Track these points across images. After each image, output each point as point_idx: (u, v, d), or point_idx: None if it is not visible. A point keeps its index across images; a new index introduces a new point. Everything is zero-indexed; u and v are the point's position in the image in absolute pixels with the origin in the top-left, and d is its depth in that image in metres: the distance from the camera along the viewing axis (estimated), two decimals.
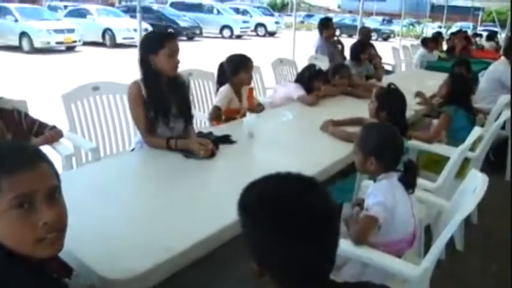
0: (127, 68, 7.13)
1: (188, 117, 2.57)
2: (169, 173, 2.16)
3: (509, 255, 2.88)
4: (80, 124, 2.86)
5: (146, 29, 13.85)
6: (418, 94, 4.06)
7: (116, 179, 2.07)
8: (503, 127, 3.62)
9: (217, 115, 3.09)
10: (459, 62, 4.47)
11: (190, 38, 19.09)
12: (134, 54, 4.73)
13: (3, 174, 0.98)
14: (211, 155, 2.29)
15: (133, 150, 2.62)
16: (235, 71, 3.14)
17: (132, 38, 14.07)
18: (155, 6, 21.26)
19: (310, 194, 0.94)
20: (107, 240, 1.50)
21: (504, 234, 3.34)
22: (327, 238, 0.93)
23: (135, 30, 13.91)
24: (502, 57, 5.01)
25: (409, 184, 1.86)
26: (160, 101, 2.40)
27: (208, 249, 1.58)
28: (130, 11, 16.81)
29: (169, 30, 16.41)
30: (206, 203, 1.85)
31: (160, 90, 2.39)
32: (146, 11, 17.89)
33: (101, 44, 15.16)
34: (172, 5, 22.46)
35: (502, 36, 15.18)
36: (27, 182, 1.00)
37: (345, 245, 1.66)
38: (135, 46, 4.65)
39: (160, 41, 2.34)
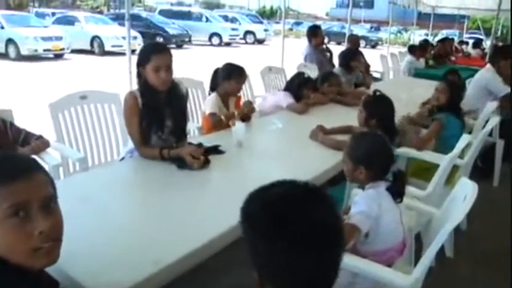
0: (116, 76, 7.11)
1: (181, 135, 2.54)
2: (158, 183, 2.14)
3: (510, 260, 2.90)
4: (68, 134, 2.82)
5: (135, 37, 14.01)
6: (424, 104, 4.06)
7: (105, 189, 2.04)
8: (490, 133, 3.64)
9: (217, 121, 3.03)
10: (451, 71, 4.50)
11: (179, 46, 19.05)
12: (123, 62, 4.74)
13: None
14: (205, 163, 2.26)
15: (122, 159, 2.59)
16: (228, 76, 3.12)
17: (121, 46, 14.05)
18: (144, 14, 21.27)
19: (314, 203, 0.93)
20: (95, 253, 1.48)
21: (493, 240, 3.37)
22: (330, 249, 0.91)
23: (123, 38, 13.98)
24: (488, 65, 5.05)
25: (397, 193, 1.86)
26: (155, 114, 2.38)
27: (198, 260, 1.55)
28: (118, 18, 16.73)
29: (159, 40, 16.38)
30: (196, 214, 1.83)
31: (155, 102, 2.37)
32: (135, 18, 17.84)
33: (90, 52, 15.08)
34: (161, 12, 22.49)
35: (487, 44, 15.42)
36: (23, 192, 1.00)
37: None
38: (123, 54, 4.63)
39: (147, 55, 2.31)
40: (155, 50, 2.33)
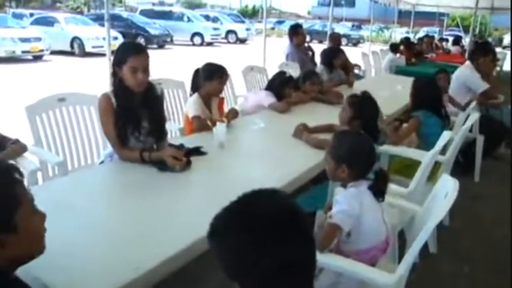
0: (97, 77, 7.03)
1: (160, 136, 2.50)
2: (139, 186, 2.10)
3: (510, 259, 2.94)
4: (46, 137, 2.76)
5: (116, 37, 13.85)
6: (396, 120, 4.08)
7: (84, 194, 2.00)
8: (470, 129, 3.68)
9: (202, 125, 2.99)
10: (441, 70, 4.54)
11: (160, 46, 18.92)
12: (104, 63, 4.67)
13: None
14: (187, 165, 2.23)
15: (102, 163, 2.54)
16: (209, 77, 3.07)
17: (102, 47, 13.85)
18: (125, 14, 21.04)
19: (272, 198, 0.96)
20: (73, 260, 1.44)
21: (476, 235, 3.40)
22: (295, 239, 0.92)
23: (104, 38, 13.78)
24: (467, 62, 5.11)
25: (379, 192, 1.85)
26: (130, 115, 2.34)
27: (180, 264, 1.53)
28: (99, 19, 16.47)
29: (140, 40, 16.23)
30: (178, 217, 1.80)
31: (130, 103, 2.33)
32: (116, 19, 17.69)
33: (70, 53, 14.86)
34: (142, 12, 22.32)
35: (466, 41, 15.67)
36: None
37: None
38: (104, 55, 4.56)
39: (123, 55, 2.27)
40: (133, 50, 2.28)
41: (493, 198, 4.17)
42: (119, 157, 2.36)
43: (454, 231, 3.31)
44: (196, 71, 3.19)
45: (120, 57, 2.28)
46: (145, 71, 2.29)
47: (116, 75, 2.31)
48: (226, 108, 3.51)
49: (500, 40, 23.42)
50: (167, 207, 1.88)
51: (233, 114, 3.22)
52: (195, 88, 3.18)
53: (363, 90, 2.78)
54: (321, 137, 2.77)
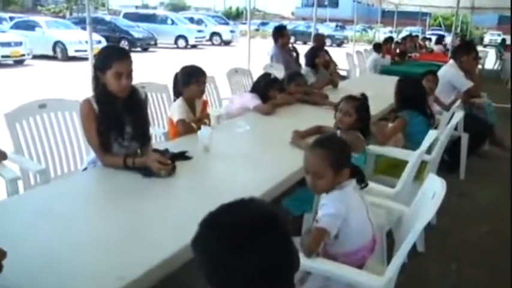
0: (80, 82, 6.90)
1: (144, 141, 2.47)
2: (123, 193, 2.06)
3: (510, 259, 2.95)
4: (27, 145, 2.69)
5: (99, 41, 13.71)
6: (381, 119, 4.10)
7: (67, 202, 1.95)
8: (455, 127, 3.70)
9: (187, 128, 2.95)
10: (428, 72, 4.56)
11: (144, 49, 18.83)
12: (87, 67, 4.60)
13: None
14: (172, 170, 2.20)
15: (85, 170, 2.49)
16: (186, 83, 3.05)
17: (85, 51, 13.59)
18: (108, 18, 20.85)
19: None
20: (56, 271, 1.40)
21: (463, 233, 3.42)
22: (273, 244, 0.92)
23: (87, 42, 13.61)
24: (451, 60, 5.16)
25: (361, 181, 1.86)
26: (113, 120, 2.30)
27: (166, 272, 1.50)
28: (81, 22, 16.28)
29: (123, 44, 16.09)
30: (163, 224, 1.77)
31: (112, 108, 2.29)
32: (98, 22, 17.55)
33: (52, 58, 14.68)
34: (125, 16, 22.13)
35: (448, 40, 15.87)
36: None
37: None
38: (88, 59, 4.50)
39: (107, 60, 2.22)
40: (117, 55, 2.25)
41: (478, 195, 4.21)
42: (102, 163, 2.31)
43: (441, 229, 3.32)
44: (176, 76, 3.16)
45: (103, 62, 2.24)
46: (130, 75, 2.25)
47: (98, 80, 2.27)
48: (210, 111, 3.49)
49: (481, 39, 23.81)
50: (152, 213, 1.84)
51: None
52: (177, 93, 3.15)
53: (361, 92, 2.79)
54: (310, 141, 2.74)
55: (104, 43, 14.42)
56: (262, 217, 0.95)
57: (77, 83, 7.81)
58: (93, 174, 2.37)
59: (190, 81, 3.04)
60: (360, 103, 2.73)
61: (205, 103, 3.33)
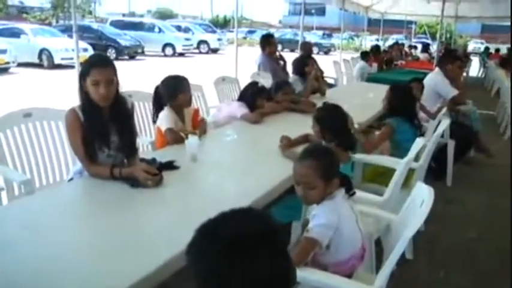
0: (66, 90, 6.84)
1: (130, 151, 2.44)
2: (110, 204, 2.03)
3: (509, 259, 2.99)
4: (11, 154, 2.64)
5: (86, 49, 13.63)
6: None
7: (53, 213, 1.92)
8: (442, 135, 3.73)
9: (176, 137, 2.91)
10: (414, 80, 4.60)
11: (132, 57, 18.76)
12: (74, 75, 4.56)
13: None
14: (159, 180, 2.18)
15: (71, 180, 2.46)
16: (173, 95, 3.02)
17: (71, 59, 13.46)
18: (95, 25, 20.72)
19: (244, 218, 0.95)
20: (42, 284, 1.38)
21: (449, 240, 3.44)
22: (267, 257, 0.90)
23: (74, 50, 13.51)
24: (437, 68, 5.23)
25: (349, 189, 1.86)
26: (99, 130, 2.28)
27: (154, 283, 1.48)
28: (68, 30, 16.16)
29: (110, 52, 15.90)
30: (151, 235, 1.75)
31: (98, 117, 2.27)
32: (85, 30, 17.44)
33: (38, 65, 14.53)
34: (112, 23, 22.01)
35: (433, 48, 16.10)
36: None
37: None
38: (74, 67, 4.46)
39: (87, 68, 2.20)
40: (95, 63, 2.22)
41: (466, 202, 4.24)
42: (89, 174, 2.28)
43: (429, 236, 3.33)
44: (156, 88, 3.12)
45: (84, 70, 2.22)
46: (109, 84, 2.21)
47: (82, 89, 2.25)
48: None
49: (463, 46, 24.26)
50: (140, 224, 1.82)
51: (202, 125, 3.16)
52: (156, 105, 3.11)
53: (324, 101, 2.80)
54: (298, 150, 2.73)
55: (91, 51, 14.34)
56: (261, 230, 0.93)
57: (63, 91, 7.75)
58: (79, 185, 2.34)
59: (176, 92, 3.01)
60: (318, 114, 2.74)
61: (196, 112, 3.30)
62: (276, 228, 0.96)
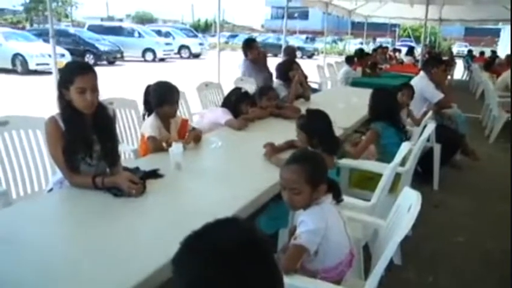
0: (43, 97, 6.77)
1: (113, 160, 2.43)
2: (93, 214, 2.01)
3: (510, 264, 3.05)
4: None
5: (63, 54, 13.48)
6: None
7: (31, 226, 1.88)
8: (428, 139, 3.79)
9: (157, 146, 2.91)
10: (404, 85, 4.64)
11: (111, 63, 18.61)
12: (51, 81, 4.52)
13: None
14: (143, 189, 2.18)
15: (51, 191, 2.44)
16: (159, 104, 3.02)
17: (48, 64, 13.32)
18: (72, 30, 20.50)
19: (229, 230, 0.95)
20: None
21: (437, 244, 3.49)
22: (254, 269, 0.91)
23: (50, 55, 13.29)
24: (422, 72, 5.32)
25: (337, 195, 1.89)
26: (80, 139, 2.27)
27: None
28: (43, 34, 15.87)
29: (88, 57, 15.65)
30: (136, 245, 1.73)
31: (79, 126, 2.26)
32: (61, 34, 17.20)
33: (11, 71, 14.28)
34: (90, 28, 21.76)
35: (418, 51, 16.35)
36: None
37: None
38: (51, 73, 4.41)
39: (69, 75, 2.20)
40: (79, 70, 2.21)
41: (452, 205, 4.31)
42: (70, 184, 2.26)
43: (417, 239, 3.35)
44: (147, 90, 3.12)
45: (65, 78, 2.21)
46: (94, 90, 2.22)
47: (62, 98, 2.24)
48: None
49: (450, 49, 24.68)
50: (123, 235, 1.81)
51: (194, 136, 3.14)
52: (148, 109, 3.11)
53: (307, 107, 2.84)
54: (282, 156, 2.75)
55: (68, 56, 14.18)
56: (246, 240, 0.94)
57: (39, 98, 7.66)
58: (59, 195, 2.32)
59: (163, 103, 3.01)
60: (302, 121, 2.77)
61: (185, 123, 3.29)
62: (261, 237, 0.96)
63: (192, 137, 3.12)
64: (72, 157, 2.24)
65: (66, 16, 35.80)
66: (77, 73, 2.19)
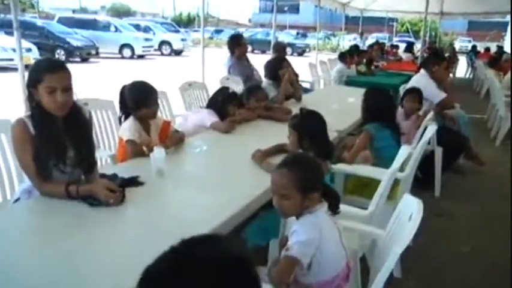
0: (6, 97, 6.68)
1: (88, 166, 2.43)
2: (65, 227, 1.99)
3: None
4: None
5: (29, 49, 13.28)
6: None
7: None
8: (428, 141, 3.80)
9: (137, 150, 2.91)
10: (410, 90, 4.64)
11: (84, 59, 18.50)
12: (14, 79, 4.46)
13: None
14: (122, 198, 2.17)
15: (17, 201, 2.40)
16: (136, 107, 3.02)
17: (12, 60, 13.03)
18: (39, 22, 20.23)
19: (214, 246, 0.95)
20: None
21: (440, 255, 3.51)
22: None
23: (14, 50, 12.97)
24: (422, 70, 5.33)
25: (334, 206, 1.89)
26: (52, 143, 2.25)
27: None
28: (4, 26, 15.53)
29: (59, 53, 15.36)
30: (114, 260, 1.73)
31: (51, 129, 2.24)
32: (28, 27, 16.86)
33: None
34: (60, 20, 21.52)
35: (417, 47, 16.48)
36: None
37: None
38: (15, 69, 4.35)
39: (38, 74, 2.17)
40: (49, 68, 2.19)
41: (456, 213, 4.33)
42: (40, 193, 2.25)
43: (418, 251, 3.35)
44: (123, 91, 3.11)
45: (34, 76, 2.19)
46: (66, 90, 2.20)
47: (32, 98, 2.22)
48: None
49: (452, 45, 24.90)
50: (99, 250, 1.80)
51: (176, 138, 3.15)
52: (124, 111, 3.10)
53: (301, 107, 2.85)
54: (272, 161, 2.76)
55: (36, 51, 13.98)
56: (228, 261, 0.93)
57: (2, 97, 7.53)
58: (27, 206, 2.29)
59: (140, 106, 3.00)
60: (295, 120, 2.79)
61: (167, 125, 3.28)
62: (244, 254, 0.96)
63: (176, 140, 3.12)
64: (43, 163, 2.22)
65: (32, 6, 35.10)
66: (46, 71, 2.16)
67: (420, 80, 5.15)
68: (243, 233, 2.66)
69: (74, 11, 38.75)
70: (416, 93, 4.43)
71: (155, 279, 0.91)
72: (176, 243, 0.94)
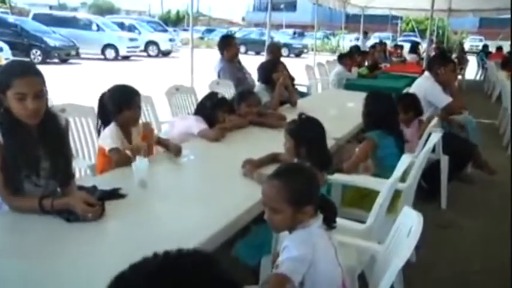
0: None
1: (64, 178, 2.43)
2: (38, 245, 1.98)
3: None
4: None
5: (1, 49, 13.19)
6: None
7: None
8: (433, 149, 3.82)
9: (122, 158, 2.92)
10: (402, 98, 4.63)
11: (63, 61, 18.51)
12: None
13: None
14: (102, 212, 2.17)
15: None
16: (118, 110, 3.04)
17: None
18: (11, 19, 20.18)
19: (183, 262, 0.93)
20: None
21: (447, 272, 3.52)
22: None
23: None
24: (426, 73, 5.36)
25: (330, 220, 1.89)
26: (24, 153, 2.25)
27: None
28: None
29: (35, 54, 15.29)
30: (93, 279, 1.72)
31: (22, 138, 2.24)
32: None
33: None
34: (36, 17, 21.38)
35: (423, 47, 16.54)
36: None
37: None
38: None
39: (7, 78, 2.16)
40: (18, 72, 2.18)
41: (464, 227, 4.31)
42: (9, 207, 2.23)
43: (423, 268, 3.38)
44: (102, 97, 3.13)
45: (2, 81, 2.18)
46: (38, 97, 2.19)
47: (1, 104, 2.21)
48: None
49: (461, 45, 24.96)
50: (78, 267, 1.81)
51: (175, 149, 3.21)
52: (104, 120, 3.12)
53: (299, 112, 2.87)
54: (264, 172, 2.78)
55: (8, 51, 13.92)
56: (211, 280, 0.91)
57: None
58: None
59: (122, 107, 3.03)
60: (292, 126, 2.80)
61: (150, 133, 3.33)
62: (227, 275, 0.95)
63: (174, 150, 3.18)
64: (14, 175, 2.21)
65: (3, 2, 34.61)
66: (15, 75, 2.15)
67: (424, 83, 5.18)
68: (233, 250, 2.68)
69: (51, 7, 38.40)
70: (407, 101, 4.41)
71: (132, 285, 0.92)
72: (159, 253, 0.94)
